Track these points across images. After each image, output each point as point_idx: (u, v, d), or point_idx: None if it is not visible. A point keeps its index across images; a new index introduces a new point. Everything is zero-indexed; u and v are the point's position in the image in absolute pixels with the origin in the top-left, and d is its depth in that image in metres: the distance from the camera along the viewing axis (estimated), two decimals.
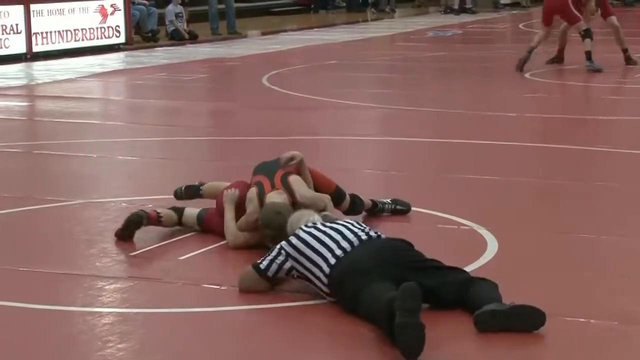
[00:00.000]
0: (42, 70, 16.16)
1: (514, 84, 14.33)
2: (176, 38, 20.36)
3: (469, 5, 27.30)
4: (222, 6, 21.53)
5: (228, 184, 6.72)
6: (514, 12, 27.45)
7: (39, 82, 15.25)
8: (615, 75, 14.62)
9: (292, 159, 6.41)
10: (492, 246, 6.24)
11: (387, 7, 27.71)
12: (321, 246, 5.24)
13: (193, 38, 20.61)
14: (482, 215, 6.93)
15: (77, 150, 9.69)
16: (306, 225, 5.44)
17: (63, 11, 17.78)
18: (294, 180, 6.33)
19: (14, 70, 16.18)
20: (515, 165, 9.01)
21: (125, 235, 6.39)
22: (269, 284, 5.39)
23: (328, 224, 5.42)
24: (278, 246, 5.41)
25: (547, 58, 15.62)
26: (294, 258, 5.31)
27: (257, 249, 6.18)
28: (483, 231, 6.55)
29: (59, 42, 17.73)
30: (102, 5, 18.56)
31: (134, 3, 19.81)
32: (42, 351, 4.72)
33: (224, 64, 17.47)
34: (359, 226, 5.38)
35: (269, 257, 5.39)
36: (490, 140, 10.05)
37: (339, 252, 5.17)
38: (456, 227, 6.74)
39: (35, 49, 17.28)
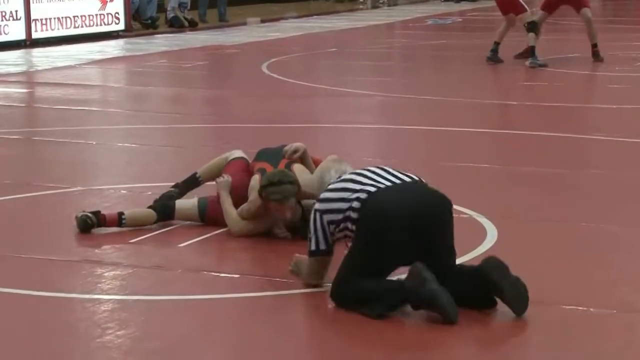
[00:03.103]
0: (42, 57, 16.13)
1: (514, 72, 14.31)
2: (176, 25, 20.33)
3: None
4: None
5: (224, 159, 6.67)
6: None
7: (39, 68, 15.23)
8: (614, 64, 14.57)
9: (296, 151, 6.40)
10: (492, 235, 6.24)
11: None
12: (347, 183, 5.06)
13: (193, 25, 20.58)
14: (481, 203, 6.93)
15: (76, 137, 9.68)
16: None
17: None
18: (298, 169, 6.31)
19: (13, 56, 16.16)
20: (514, 154, 9.00)
21: (82, 232, 6.33)
22: (330, 255, 5.15)
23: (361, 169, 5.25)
24: (311, 215, 5.17)
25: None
26: (324, 210, 5.08)
27: (260, 236, 6.18)
28: (482, 219, 6.55)
29: (58, 29, 17.70)
30: None
31: None
32: (41, 338, 4.72)
33: (223, 51, 17.45)
34: (401, 172, 5.18)
35: (310, 235, 5.14)
36: (490, 129, 10.05)
37: (371, 188, 4.97)
38: (456, 215, 6.72)
39: (34, 35, 17.25)
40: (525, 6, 14.59)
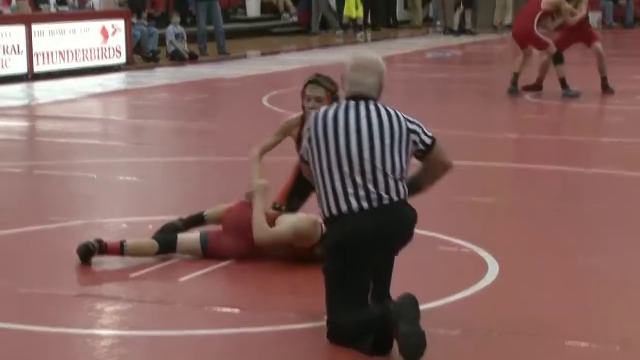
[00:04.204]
0: (43, 91, 16.16)
1: (515, 106, 14.33)
2: (176, 58, 20.39)
3: (468, 27, 27.32)
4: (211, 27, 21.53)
5: (227, 206, 6.70)
6: None
7: (40, 102, 15.26)
8: (614, 98, 14.58)
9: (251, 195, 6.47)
10: (493, 269, 6.22)
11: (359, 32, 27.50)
12: (337, 170, 4.96)
13: (193, 58, 20.64)
14: (482, 237, 6.91)
15: (77, 171, 9.68)
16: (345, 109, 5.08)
17: (64, 31, 17.79)
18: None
19: (15, 90, 16.18)
20: (515, 188, 8.99)
21: (83, 261, 6.33)
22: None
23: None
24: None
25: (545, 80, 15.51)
26: (311, 143, 5.05)
27: (262, 269, 6.16)
28: (483, 253, 6.53)
29: (60, 62, 17.74)
30: (104, 26, 18.58)
31: (134, 24, 19.84)
32: None
33: (224, 84, 17.48)
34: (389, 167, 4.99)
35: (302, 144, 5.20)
36: (491, 162, 10.04)
37: (354, 203, 4.89)
38: (456, 249, 6.72)
39: (36, 69, 17.29)
40: (546, 39, 14.51)
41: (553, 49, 14.40)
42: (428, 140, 5.14)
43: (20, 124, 13.46)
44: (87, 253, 6.29)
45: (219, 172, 9.88)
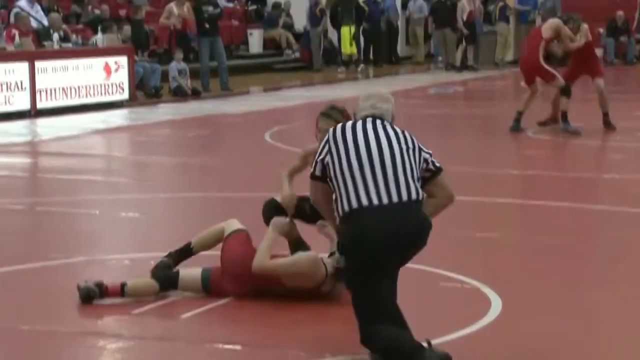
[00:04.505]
0: (46, 127, 16.18)
1: (516, 142, 14.33)
2: (179, 94, 20.44)
3: (470, 63, 27.40)
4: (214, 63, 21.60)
5: (219, 229, 6.62)
6: (515, 69, 27.52)
7: (43, 138, 15.28)
8: (616, 134, 14.55)
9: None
10: (496, 305, 6.20)
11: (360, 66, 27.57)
12: (358, 166, 5.04)
13: (196, 94, 20.69)
14: (485, 273, 6.89)
15: (79, 207, 9.67)
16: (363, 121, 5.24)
17: (67, 68, 17.84)
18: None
19: (18, 126, 16.20)
20: (517, 223, 8.98)
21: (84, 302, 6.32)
22: (324, 184, 5.20)
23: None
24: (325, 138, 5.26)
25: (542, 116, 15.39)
26: (331, 150, 5.15)
27: (264, 306, 6.13)
28: (487, 289, 6.51)
29: (62, 99, 17.78)
30: (107, 63, 18.64)
31: (137, 60, 19.91)
32: None
33: (226, 120, 17.51)
34: (409, 161, 5.10)
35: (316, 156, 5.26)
36: (494, 198, 10.04)
37: (374, 197, 4.98)
38: (459, 285, 6.70)
39: (39, 105, 17.32)
40: (553, 71, 14.48)
41: (561, 81, 14.36)
42: (437, 164, 5.28)
43: (23, 160, 13.47)
44: (88, 298, 6.27)
45: (221, 208, 9.87)
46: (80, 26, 21.31)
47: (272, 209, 6.75)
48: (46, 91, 17.46)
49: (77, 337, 5.71)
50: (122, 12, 22.49)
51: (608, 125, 14.70)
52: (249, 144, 14.71)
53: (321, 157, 5.20)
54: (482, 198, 9.98)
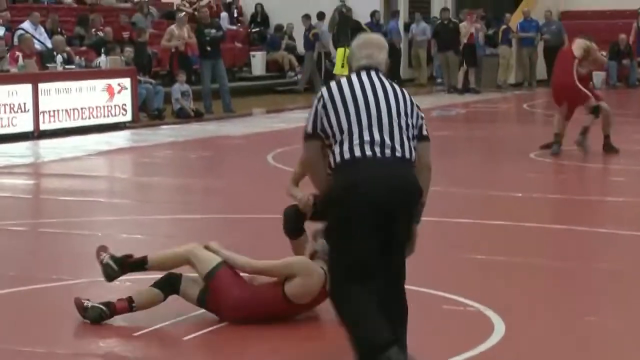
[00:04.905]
0: (49, 149, 16.19)
1: (519, 164, 14.31)
2: (182, 116, 20.46)
3: (472, 85, 27.43)
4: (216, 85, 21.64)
5: (181, 257, 6.44)
6: (518, 92, 27.57)
7: (46, 160, 15.28)
8: (619, 157, 14.51)
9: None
10: (499, 329, 6.17)
11: None
12: (355, 113, 5.00)
13: (198, 116, 20.71)
14: (488, 296, 6.87)
15: (82, 228, 9.66)
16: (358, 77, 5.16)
17: (70, 90, 17.87)
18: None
19: (21, 148, 16.21)
20: (521, 246, 8.96)
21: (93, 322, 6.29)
22: (321, 142, 5.11)
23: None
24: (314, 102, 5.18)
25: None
26: (326, 106, 5.06)
27: (268, 328, 6.10)
28: (490, 313, 6.49)
29: (66, 121, 17.79)
30: (110, 84, 18.67)
31: (140, 82, 19.94)
32: None
33: (229, 141, 17.51)
34: (405, 118, 5.08)
35: (309, 115, 5.16)
36: (496, 220, 10.02)
37: (368, 150, 4.94)
38: (462, 308, 6.68)
39: (42, 127, 17.34)
40: (587, 92, 14.36)
41: (593, 101, 14.28)
42: (426, 131, 5.24)
43: (25, 181, 13.47)
44: (99, 318, 6.25)
45: (224, 230, 9.86)
46: (83, 48, 21.36)
47: (293, 215, 6.70)
48: (49, 113, 17.48)
49: (78, 359, 5.69)
50: (126, 35, 22.54)
51: (610, 148, 14.62)
52: (251, 165, 14.71)
53: (315, 113, 5.10)
54: (484, 220, 9.96)
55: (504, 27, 28.18)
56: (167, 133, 18.51)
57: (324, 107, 5.07)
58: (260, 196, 11.71)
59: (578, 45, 14.42)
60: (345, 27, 26.44)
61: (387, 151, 4.97)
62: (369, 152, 4.95)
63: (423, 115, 5.24)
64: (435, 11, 30.42)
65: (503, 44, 28.18)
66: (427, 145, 5.21)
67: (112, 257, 6.56)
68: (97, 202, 11.50)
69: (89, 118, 18.24)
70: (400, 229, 5.03)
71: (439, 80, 28.88)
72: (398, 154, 4.98)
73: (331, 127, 5.04)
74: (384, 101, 5.06)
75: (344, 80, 5.15)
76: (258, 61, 27.81)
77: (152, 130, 18.92)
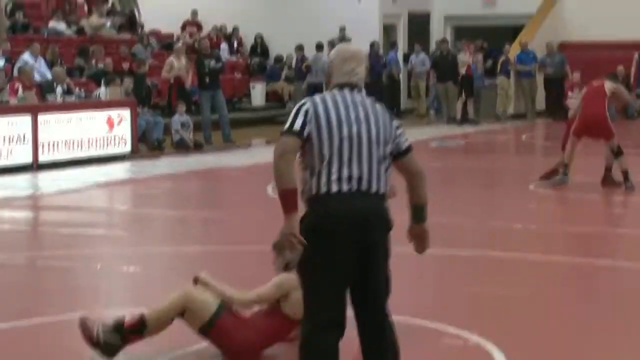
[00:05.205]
0: (48, 180, 16.17)
1: (518, 195, 14.29)
2: (181, 147, 20.47)
3: (471, 116, 27.47)
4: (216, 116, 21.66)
5: (176, 305, 6.26)
6: (516, 123, 27.60)
7: (45, 192, 15.26)
8: (620, 189, 14.43)
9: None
10: None
11: None
12: (338, 154, 5.02)
13: (198, 147, 20.72)
14: (489, 330, 6.83)
15: (80, 261, 9.63)
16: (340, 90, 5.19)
17: (70, 121, 17.89)
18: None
19: (20, 180, 16.18)
20: (521, 278, 8.92)
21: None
22: (301, 143, 5.07)
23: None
24: (298, 105, 5.19)
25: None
26: (312, 124, 5.07)
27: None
28: (490, 347, 6.45)
29: (65, 152, 17.79)
30: (109, 116, 18.69)
31: (140, 113, 19.96)
32: None
33: (229, 173, 17.51)
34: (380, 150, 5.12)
35: (291, 117, 5.13)
36: (495, 252, 9.99)
37: (345, 185, 5.00)
38: (462, 342, 6.64)
39: (41, 158, 17.32)
40: (614, 129, 14.26)
41: (616, 142, 14.19)
42: (407, 144, 5.27)
43: (24, 214, 13.44)
44: (112, 353, 6.16)
45: (223, 262, 9.83)
46: (83, 79, 21.39)
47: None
48: (48, 144, 17.47)
49: None
50: (125, 66, 22.58)
51: (611, 181, 14.50)
52: (251, 197, 14.69)
53: (305, 115, 5.08)
54: (484, 252, 9.93)
55: (502, 58, 28.26)
56: (167, 164, 18.51)
57: (311, 121, 5.09)
58: (260, 228, 11.68)
59: (609, 86, 14.45)
60: None
61: (364, 187, 5.06)
62: (345, 188, 5.03)
63: (402, 130, 5.29)
64: (434, 42, 30.53)
65: (501, 75, 28.27)
66: (412, 155, 5.30)
67: (107, 329, 6.19)
68: (95, 234, 11.47)
69: (88, 149, 18.24)
70: (374, 265, 5.11)
71: (432, 112, 28.97)
72: (373, 190, 5.08)
73: (311, 149, 5.07)
74: (365, 130, 5.11)
75: (328, 100, 5.15)
76: (258, 92, 27.87)
77: (152, 162, 18.92)
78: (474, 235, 11.06)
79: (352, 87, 5.23)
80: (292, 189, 5.02)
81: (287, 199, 5.03)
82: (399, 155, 5.22)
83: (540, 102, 28.85)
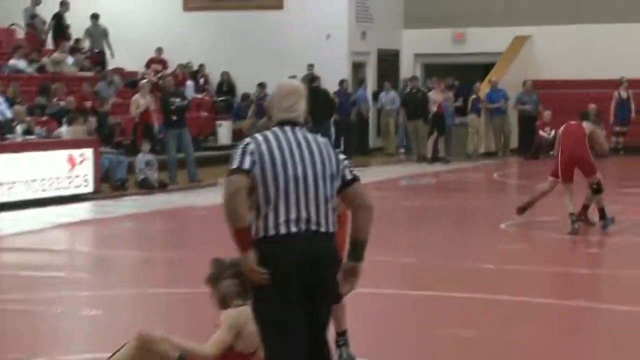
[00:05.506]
0: (7, 221, 16.03)
1: (490, 235, 14.31)
2: (146, 187, 20.38)
3: (442, 154, 27.57)
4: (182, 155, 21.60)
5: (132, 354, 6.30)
6: (488, 161, 27.73)
7: (4, 233, 15.10)
8: (594, 228, 14.45)
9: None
10: None
11: None
12: (284, 200, 5.06)
13: (163, 187, 20.63)
14: None
15: (40, 305, 9.52)
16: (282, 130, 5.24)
17: (30, 160, 17.77)
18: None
19: None
20: (492, 320, 8.90)
21: None
22: (249, 179, 5.11)
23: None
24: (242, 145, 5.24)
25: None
26: (257, 164, 5.12)
27: None
28: None
29: (25, 192, 17.65)
30: (71, 155, 18.59)
31: (102, 152, 19.86)
32: None
33: (194, 212, 17.44)
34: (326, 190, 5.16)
35: (238, 156, 5.20)
36: (467, 293, 9.97)
37: (293, 226, 5.05)
38: None
39: (1, 198, 17.18)
40: (595, 165, 14.31)
41: (598, 177, 14.22)
42: (353, 174, 5.30)
43: None
44: None
45: (188, 305, 9.75)
46: (44, 118, 21.29)
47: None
48: (8, 184, 17.33)
49: None
50: (88, 104, 22.52)
51: (585, 220, 14.48)
52: (217, 237, 14.58)
53: (252, 154, 5.15)
54: (455, 293, 9.91)
55: (473, 96, 28.43)
56: (130, 204, 18.42)
57: (256, 161, 5.14)
58: None
59: (587, 125, 14.55)
60: (314, 97, 26.55)
61: (313, 227, 5.11)
62: (293, 230, 5.08)
63: (347, 162, 5.32)
64: (402, 80, 30.65)
65: (472, 113, 28.42)
66: (358, 185, 5.32)
67: None
68: (56, 277, 11.36)
69: (49, 189, 18.11)
70: (321, 304, 5.18)
71: (401, 150, 29.09)
72: (322, 229, 5.13)
73: (257, 190, 5.11)
74: (311, 169, 5.15)
75: (271, 139, 5.19)
76: (224, 130, 27.87)
77: (115, 202, 18.81)
78: (445, 276, 11.04)
79: (293, 124, 5.26)
80: (246, 227, 5.09)
81: (242, 237, 5.10)
82: (344, 186, 5.25)
83: (513, 140, 29.06)
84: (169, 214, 17.05)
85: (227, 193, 5.09)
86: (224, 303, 6.26)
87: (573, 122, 14.67)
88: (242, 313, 6.13)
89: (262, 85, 27.49)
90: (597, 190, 14.11)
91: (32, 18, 26.32)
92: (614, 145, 30.28)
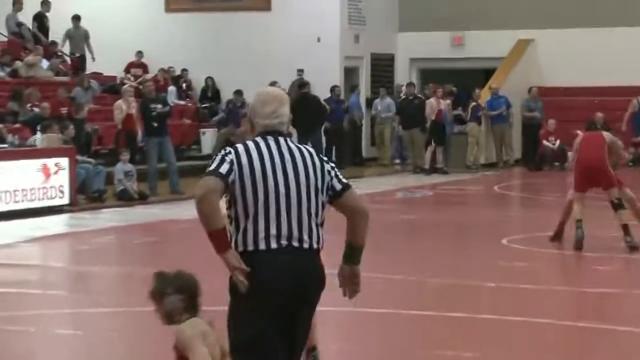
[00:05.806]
0: None
1: (490, 251, 14.32)
2: (125, 198, 20.37)
3: (440, 165, 27.57)
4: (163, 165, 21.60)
5: None
6: (489, 173, 27.75)
7: None
8: (595, 245, 14.43)
9: None
10: None
11: None
12: (264, 211, 5.09)
13: (143, 198, 20.62)
14: None
15: (13, 324, 9.52)
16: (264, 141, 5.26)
17: (3, 170, 17.75)
18: None
19: None
20: (495, 343, 8.93)
21: None
22: (223, 184, 5.11)
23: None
24: (222, 152, 5.23)
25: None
26: (236, 174, 5.14)
27: None
28: None
29: None
30: (45, 164, 18.58)
31: (79, 162, 19.85)
32: None
33: (176, 225, 17.43)
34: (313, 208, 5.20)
35: (216, 162, 5.18)
36: (467, 313, 9.99)
37: (273, 242, 5.08)
38: None
39: None
40: (616, 177, 14.23)
41: (617, 191, 14.18)
42: (343, 182, 5.34)
43: None
44: None
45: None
46: (17, 125, 21.27)
47: None
48: None
49: None
50: (64, 110, 22.52)
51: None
52: (199, 252, 14.59)
53: (230, 168, 5.14)
54: (453, 313, 9.94)
55: (473, 104, 28.36)
56: (108, 217, 18.42)
57: (235, 172, 5.14)
58: (210, 286, 11.60)
59: (607, 135, 14.59)
60: (304, 104, 26.59)
61: (295, 243, 5.15)
62: (274, 246, 5.12)
63: (336, 172, 5.34)
64: (398, 86, 30.61)
65: (472, 121, 28.36)
66: (351, 192, 5.36)
67: None
68: (29, 294, 11.36)
69: (22, 201, 18.10)
70: (302, 319, 5.27)
71: (397, 160, 29.04)
72: (305, 245, 5.17)
73: (235, 202, 5.15)
74: (294, 183, 5.18)
75: (252, 150, 5.20)
76: (208, 139, 27.86)
77: (92, 214, 18.81)
78: (443, 295, 11.06)
79: (277, 134, 5.29)
80: (221, 229, 5.11)
81: (218, 239, 5.15)
82: (335, 196, 5.29)
83: (516, 150, 29.08)
84: (149, 227, 17.05)
85: (198, 195, 5.11)
86: (170, 318, 6.26)
87: (595, 132, 14.69)
88: (197, 322, 6.12)
89: (239, 92, 27.38)
90: (618, 205, 14.06)
91: (18, 26, 26.25)
92: (632, 156, 30.26)
